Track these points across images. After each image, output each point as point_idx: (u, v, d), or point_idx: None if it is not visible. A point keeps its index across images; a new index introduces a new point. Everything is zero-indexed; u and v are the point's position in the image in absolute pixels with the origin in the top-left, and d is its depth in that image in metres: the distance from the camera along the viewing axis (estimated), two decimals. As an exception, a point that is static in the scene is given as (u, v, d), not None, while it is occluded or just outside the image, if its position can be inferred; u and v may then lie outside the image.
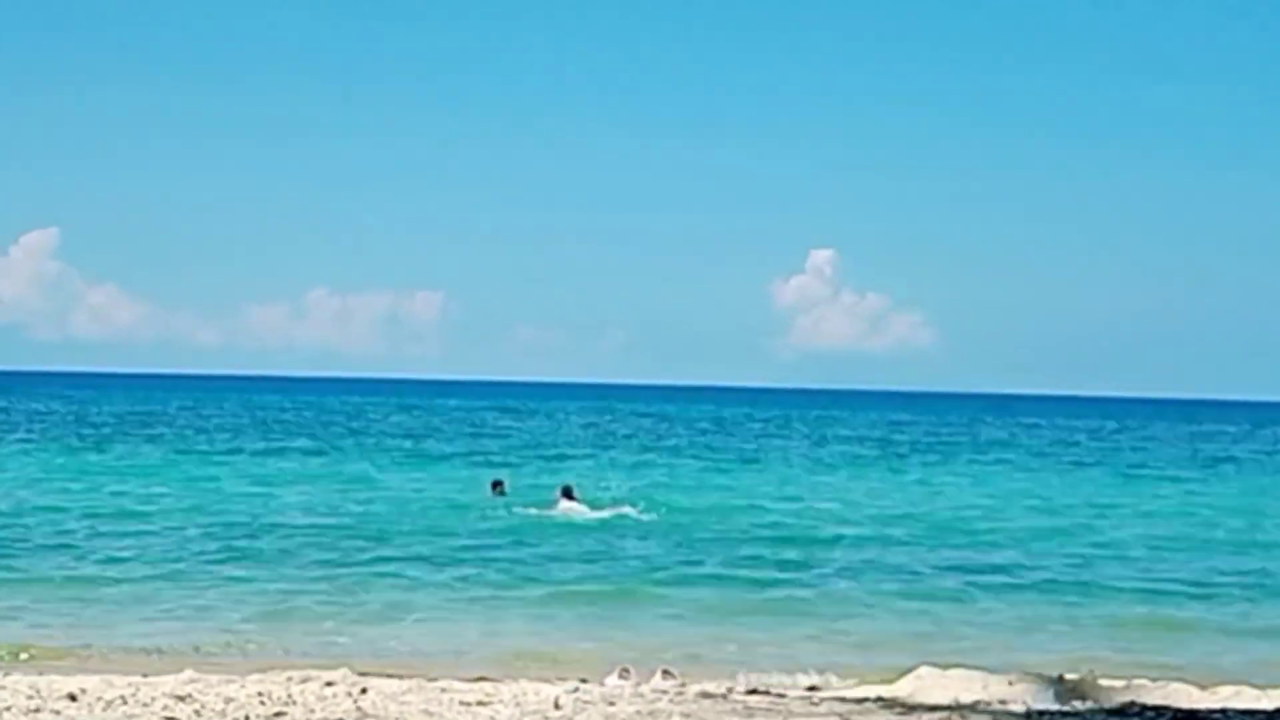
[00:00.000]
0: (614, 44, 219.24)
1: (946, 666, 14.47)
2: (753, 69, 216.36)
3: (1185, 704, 13.29)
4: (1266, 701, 13.68)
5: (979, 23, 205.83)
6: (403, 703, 12.34)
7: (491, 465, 44.41)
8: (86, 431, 61.94)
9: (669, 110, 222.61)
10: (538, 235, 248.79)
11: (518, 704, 12.42)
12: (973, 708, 12.68)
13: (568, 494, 32.60)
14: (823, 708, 12.64)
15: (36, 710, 11.77)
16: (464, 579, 22.04)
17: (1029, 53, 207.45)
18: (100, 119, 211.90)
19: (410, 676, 13.82)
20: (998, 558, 25.78)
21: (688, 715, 12.10)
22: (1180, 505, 38.09)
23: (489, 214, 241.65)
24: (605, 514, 31.14)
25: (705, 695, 13.13)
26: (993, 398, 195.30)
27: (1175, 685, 14.16)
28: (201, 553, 24.05)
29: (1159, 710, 12.86)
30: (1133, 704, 13.16)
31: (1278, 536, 30.68)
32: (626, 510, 31.63)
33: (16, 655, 15.72)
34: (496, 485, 35.05)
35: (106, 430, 63.49)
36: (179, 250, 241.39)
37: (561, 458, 51.65)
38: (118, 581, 21.08)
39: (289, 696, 12.46)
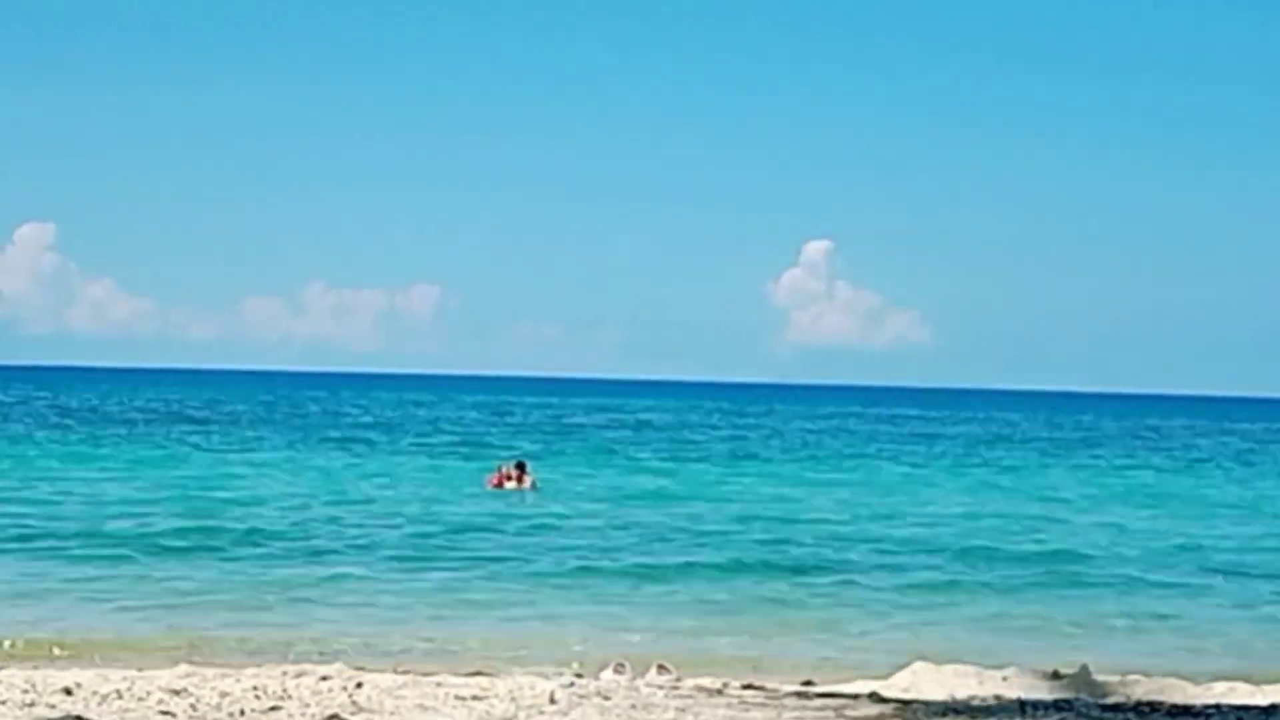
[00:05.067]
0: (609, 40, 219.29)
1: (941, 662, 14.50)
2: (750, 65, 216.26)
3: (1180, 699, 13.30)
4: (1261, 697, 13.69)
5: (975, 18, 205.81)
6: (398, 697, 12.35)
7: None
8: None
9: (665, 106, 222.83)
10: (535, 230, 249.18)
11: (513, 698, 12.43)
12: (968, 703, 12.69)
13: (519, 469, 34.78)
14: (817, 703, 12.65)
15: (31, 704, 11.78)
16: (465, 570, 22.14)
17: (1024, 49, 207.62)
18: (98, 114, 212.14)
19: (406, 671, 13.83)
20: (994, 553, 25.79)
21: (683, 710, 12.11)
22: (1174, 498, 38.14)
23: (486, 209, 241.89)
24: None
25: (700, 690, 13.13)
26: (996, 393, 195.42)
27: (1170, 680, 14.18)
28: (201, 546, 24.06)
29: (1153, 705, 12.88)
30: (1128, 698, 13.18)
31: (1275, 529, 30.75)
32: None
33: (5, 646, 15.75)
34: (509, 474, 35.14)
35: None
36: (175, 244, 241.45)
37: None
38: (118, 573, 21.14)
39: (284, 691, 12.47)
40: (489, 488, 34.54)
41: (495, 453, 45.46)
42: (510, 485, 34.61)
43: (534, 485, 34.87)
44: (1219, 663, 16.50)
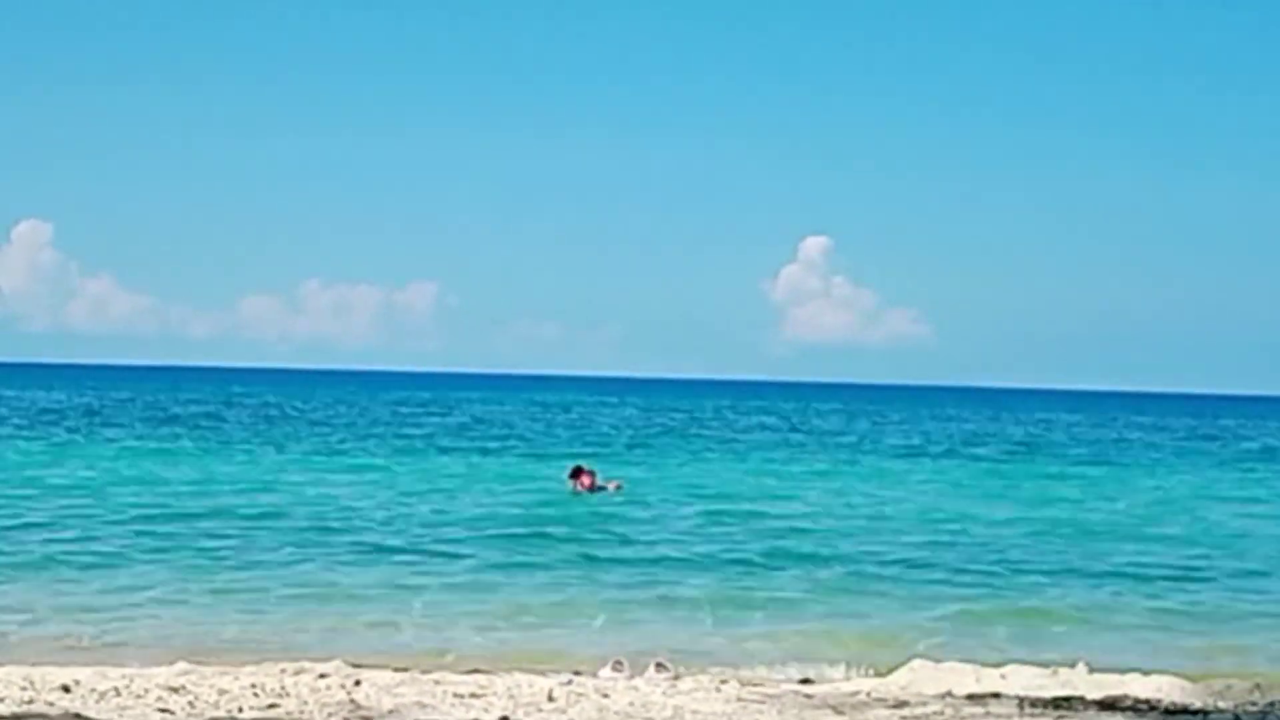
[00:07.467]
0: (607, 39, 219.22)
1: (939, 660, 14.51)
2: (748, 63, 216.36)
3: (1178, 698, 13.32)
4: (1259, 695, 13.70)
5: (974, 17, 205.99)
6: (396, 695, 12.36)
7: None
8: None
9: (663, 104, 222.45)
10: (533, 227, 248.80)
11: (511, 696, 12.44)
12: (966, 700, 12.70)
13: (579, 474, 34.20)
14: (816, 700, 12.67)
15: (30, 701, 11.79)
16: (469, 568, 22.16)
17: (1024, 47, 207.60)
18: (96, 112, 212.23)
19: (404, 669, 13.83)
20: (993, 552, 25.78)
21: (681, 708, 12.12)
22: (1156, 496, 38.10)
23: (484, 205, 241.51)
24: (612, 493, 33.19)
25: (698, 688, 13.15)
26: (994, 392, 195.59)
27: (1167, 678, 14.18)
28: (205, 547, 24.03)
29: (1151, 703, 12.89)
30: (1125, 696, 13.19)
31: (1273, 528, 30.71)
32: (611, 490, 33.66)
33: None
34: (581, 476, 34.79)
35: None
36: (174, 242, 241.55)
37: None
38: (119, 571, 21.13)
39: (282, 688, 12.48)
40: (575, 490, 34.30)
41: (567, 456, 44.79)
42: (580, 488, 34.43)
43: (594, 487, 34.69)
44: (1217, 661, 16.50)
